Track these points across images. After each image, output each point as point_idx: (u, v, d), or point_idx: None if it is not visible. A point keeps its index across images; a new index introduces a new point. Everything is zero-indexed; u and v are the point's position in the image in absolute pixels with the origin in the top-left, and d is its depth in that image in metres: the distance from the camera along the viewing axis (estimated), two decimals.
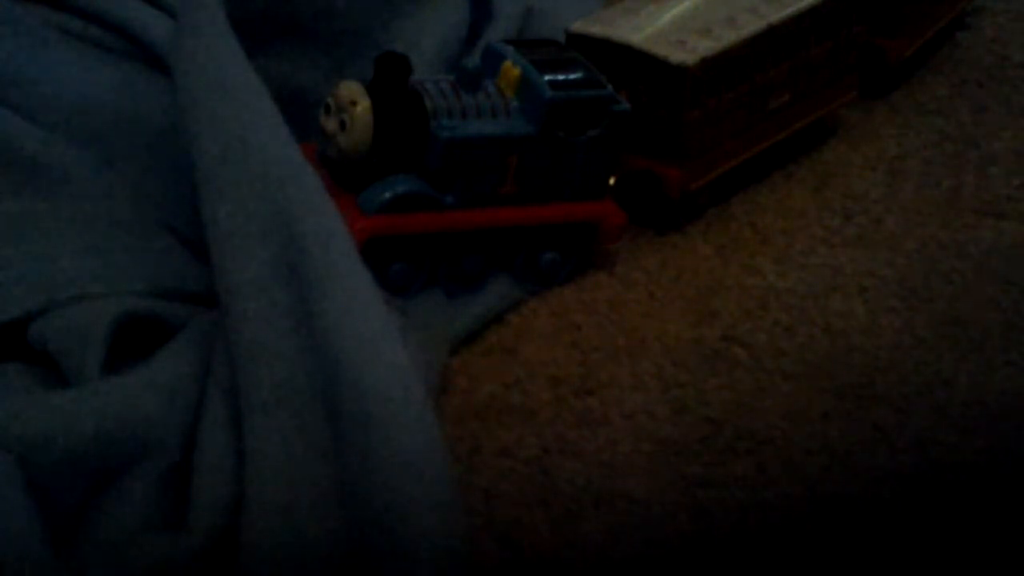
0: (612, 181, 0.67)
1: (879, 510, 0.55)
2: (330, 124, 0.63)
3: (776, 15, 0.73)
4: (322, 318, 0.52)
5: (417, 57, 0.71)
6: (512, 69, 0.65)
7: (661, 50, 0.69)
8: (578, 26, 0.72)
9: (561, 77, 0.65)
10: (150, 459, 0.51)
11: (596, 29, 0.71)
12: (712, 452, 0.58)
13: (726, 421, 0.60)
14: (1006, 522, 0.55)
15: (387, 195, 0.63)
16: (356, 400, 0.50)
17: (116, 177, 0.64)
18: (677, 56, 0.68)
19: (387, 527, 0.47)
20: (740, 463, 0.57)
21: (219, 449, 0.51)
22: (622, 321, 0.66)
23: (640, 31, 0.71)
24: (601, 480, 0.56)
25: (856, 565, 0.53)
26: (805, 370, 0.63)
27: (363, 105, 0.62)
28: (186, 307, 0.59)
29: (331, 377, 0.50)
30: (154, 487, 0.51)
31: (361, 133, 0.62)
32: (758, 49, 0.72)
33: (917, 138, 0.84)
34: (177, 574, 0.48)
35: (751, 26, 0.72)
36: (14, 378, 0.55)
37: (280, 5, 0.70)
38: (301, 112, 0.62)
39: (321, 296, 0.53)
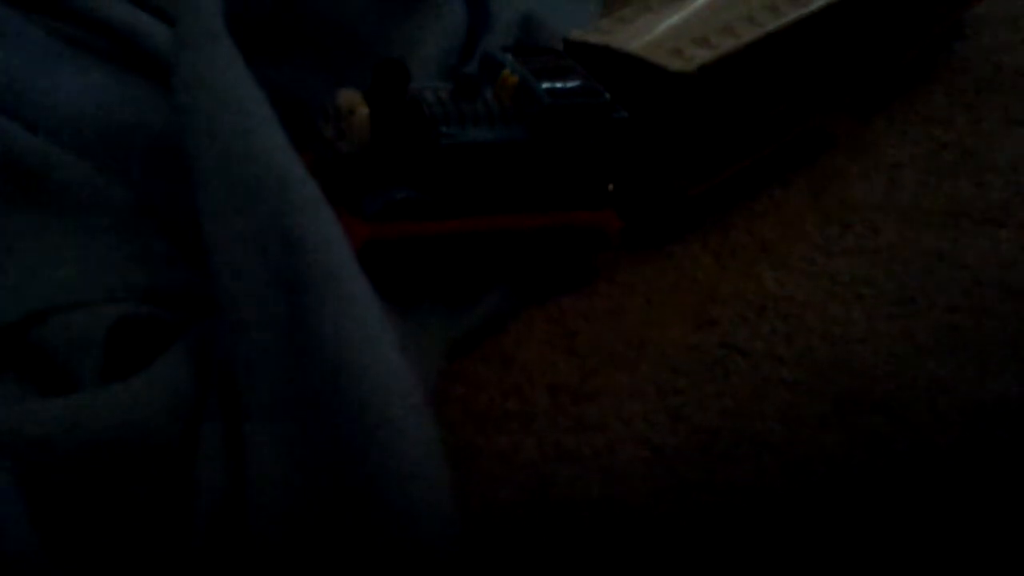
0: (610, 188, 0.67)
1: (878, 517, 0.55)
2: (328, 131, 0.63)
3: (774, 23, 0.73)
4: (320, 324, 0.52)
5: (415, 65, 0.71)
6: (510, 77, 0.65)
7: (659, 58, 0.69)
8: (576, 34, 0.72)
9: (559, 85, 0.65)
10: (149, 465, 0.51)
11: (594, 37, 0.71)
12: (710, 459, 0.58)
13: (724, 428, 0.60)
14: (1005, 530, 0.55)
15: (385, 202, 0.63)
16: (354, 406, 0.50)
17: (115, 184, 0.65)
18: (675, 64, 0.69)
19: (385, 533, 0.47)
20: (738, 470, 0.57)
21: (218, 453, 0.51)
22: (620, 328, 0.66)
23: (638, 39, 0.71)
24: (599, 486, 0.56)
25: (856, 571, 0.53)
26: (803, 377, 0.63)
27: (361, 112, 0.62)
28: (185, 313, 0.59)
29: (329, 383, 0.51)
30: (153, 492, 0.51)
31: (359, 140, 0.62)
32: (756, 57, 0.73)
33: (914, 147, 0.84)
34: None
35: (749, 34, 0.72)
36: (12, 384, 0.55)
37: (279, 13, 0.70)
38: (300, 120, 0.62)
39: (319, 302, 0.53)
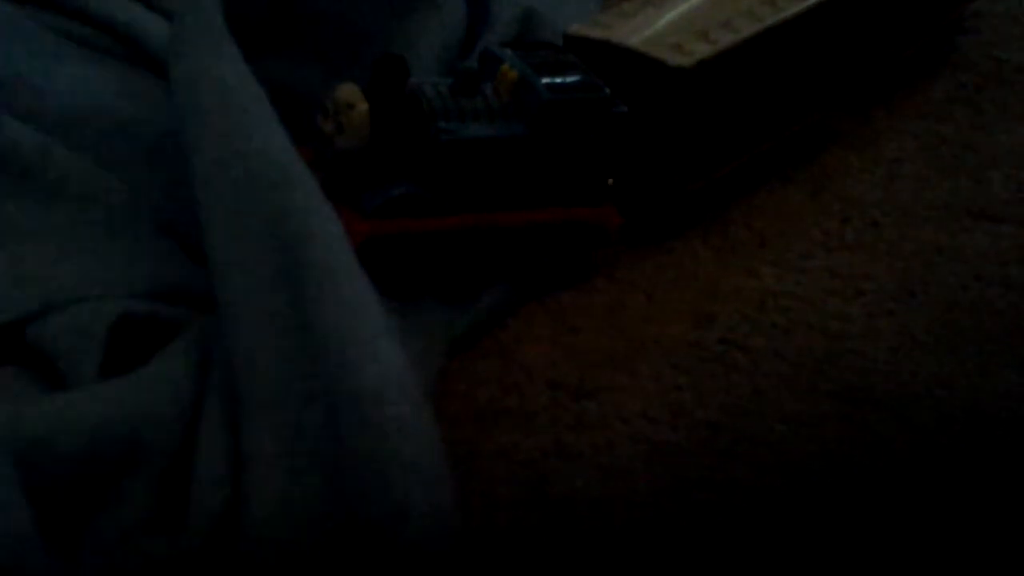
0: (610, 184, 0.67)
1: (878, 514, 0.55)
2: (328, 127, 0.63)
3: (773, 18, 0.73)
4: (319, 320, 0.52)
5: (415, 60, 0.71)
6: (510, 72, 0.65)
7: (659, 53, 0.69)
8: (576, 29, 0.72)
9: (559, 80, 0.65)
10: (148, 461, 0.51)
11: (594, 32, 0.71)
12: (710, 455, 0.58)
13: (724, 424, 0.60)
14: (1005, 526, 0.55)
15: (384, 197, 0.63)
16: (354, 402, 0.50)
17: (114, 180, 0.64)
18: (675, 59, 0.68)
19: (384, 529, 0.47)
20: (738, 466, 0.57)
21: (217, 451, 0.51)
22: (620, 324, 0.66)
23: (638, 34, 0.71)
24: (599, 483, 0.56)
25: (855, 568, 0.53)
26: (803, 373, 0.63)
27: (361, 107, 0.62)
28: (184, 309, 0.59)
29: (329, 378, 0.50)
30: (152, 489, 0.51)
31: (359, 135, 0.62)
32: (755, 52, 0.72)
33: (914, 141, 0.84)
34: (175, 575, 0.48)
35: (748, 29, 0.72)
36: (12, 380, 0.55)
37: (278, 8, 0.70)
38: (299, 115, 0.62)
39: (318, 298, 0.53)
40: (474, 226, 0.64)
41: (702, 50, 0.69)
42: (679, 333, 0.65)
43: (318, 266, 0.54)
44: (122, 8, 0.72)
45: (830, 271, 0.71)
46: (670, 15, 0.73)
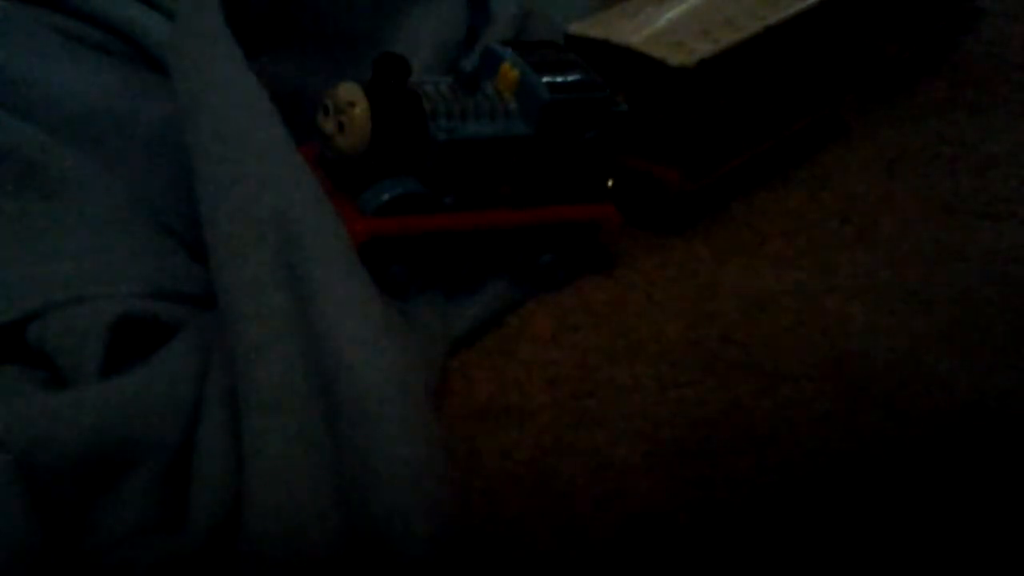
0: (610, 183, 0.67)
1: (878, 513, 0.55)
2: (328, 125, 0.63)
3: (774, 17, 0.73)
4: (320, 319, 0.52)
5: (416, 59, 0.71)
6: (510, 71, 0.65)
7: (660, 52, 0.69)
8: (577, 28, 0.72)
9: (559, 79, 0.65)
10: (148, 460, 0.51)
11: (595, 31, 0.71)
12: (710, 454, 0.58)
13: (724, 423, 0.60)
14: (1006, 525, 0.55)
15: (385, 196, 0.63)
16: (354, 401, 0.50)
17: (114, 178, 0.65)
18: (676, 58, 0.68)
19: (385, 528, 0.47)
20: (738, 465, 0.57)
21: (217, 450, 0.51)
22: (620, 323, 0.66)
23: (639, 33, 0.71)
24: (599, 482, 0.56)
25: (855, 567, 0.53)
26: (803, 372, 0.63)
27: (361, 106, 0.62)
28: (184, 308, 0.59)
29: (329, 378, 0.51)
30: (152, 488, 0.51)
31: (359, 134, 0.62)
32: (756, 51, 0.72)
33: (915, 140, 0.84)
34: (175, 575, 0.48)
35: (749, 28, 0.72)
36: (13, 380, 0.55)
37: (279, 7, 0.70)
38: (300, 113, 0.62)
39: (319, 297, 0.53)
40: (474, 224, 0.64)
41: (703, 49, 0.69)
42: (679, 331, 0.65)
43: (319, 265, 0.54)
44: (123, 7, 0.72)
45: (830, 269, 0.71)
46: (671, 14, 0.73)
